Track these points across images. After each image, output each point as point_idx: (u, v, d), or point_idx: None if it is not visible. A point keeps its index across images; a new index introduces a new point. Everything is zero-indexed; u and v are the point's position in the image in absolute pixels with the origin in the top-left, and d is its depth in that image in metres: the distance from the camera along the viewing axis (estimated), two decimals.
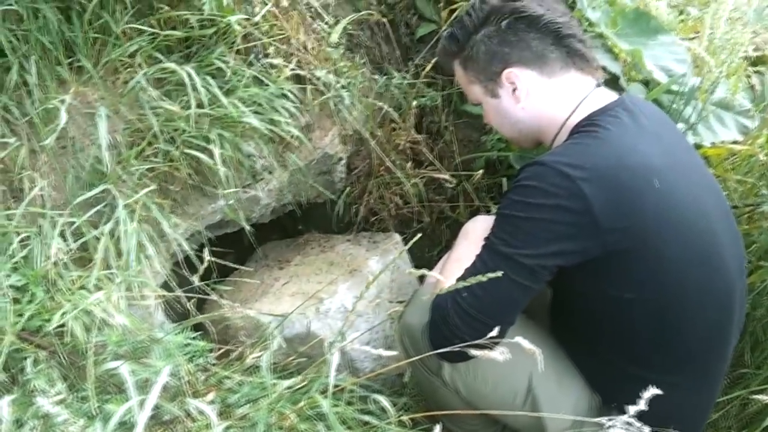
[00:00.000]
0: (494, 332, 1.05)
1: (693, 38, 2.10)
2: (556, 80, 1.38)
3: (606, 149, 1.23)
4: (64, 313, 1.15)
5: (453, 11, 2.01)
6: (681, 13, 2.32)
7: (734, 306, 1.31)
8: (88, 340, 1.13)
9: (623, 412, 1.36)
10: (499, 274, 1.03)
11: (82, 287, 1.24)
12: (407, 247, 1.09)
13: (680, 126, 1.78)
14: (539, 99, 1.39)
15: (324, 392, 1.11)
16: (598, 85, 1.40)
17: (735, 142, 1.86)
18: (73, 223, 1.31)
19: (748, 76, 2.10)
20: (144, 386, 1.10)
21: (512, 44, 1.38)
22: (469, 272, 1.26)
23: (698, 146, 1.80)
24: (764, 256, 1.74)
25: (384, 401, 1.07)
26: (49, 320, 1.15)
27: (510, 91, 1.41)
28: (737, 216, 1.54)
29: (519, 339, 0.95)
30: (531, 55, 1.38)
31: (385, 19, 2.08)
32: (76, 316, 1.16)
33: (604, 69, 1.50)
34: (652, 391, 0.87)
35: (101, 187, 1.35)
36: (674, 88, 1.82)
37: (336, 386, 1.08)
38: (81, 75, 1.47)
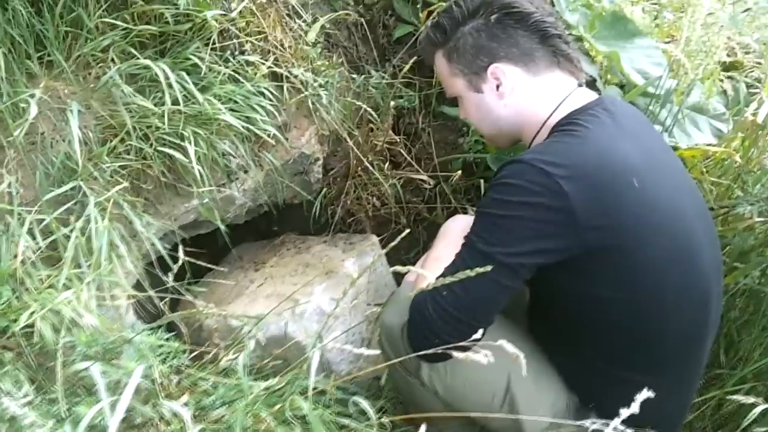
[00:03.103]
0: (478, 335, 1.03)
1: (669, 42, 2.13)
2: (540, 79, 1.38)
3: (586, 148, 1.23)
4: (32, 313, 1.11)
5: (430, 13, 2.01)
6: (656, 17, 2.35)
7: (711, 306, 1.32)
8: (56, 341, 1.09)
9: (601, 412, 1.37)
10: (487, 269, 1.01)
11: (51, 286, 1.21)
12: (389, 248, 1.07)
13: (656, 128, 1.80)
14: (523, 97, 1.38)
15: (302, 394, 1.09)
16: (580, 85, 1.40)
17: (709, 144, 1.88)
18: (42, 220, 1.27)
19: (721, 81, 2.13)
20: (115, 388, 1.06)
21: (500, 40, 1.37)
22: (449, 271, 1.25)
23: (674, 148, 1.81)
24: (738, 258, 1.75)
25: (364, 404, 1.05)
26: (16, 320, 1.11)
27: (494, 87, 1.40)
28: (713, 218, 1.55)
29: (503, 342, 0.94)
30: (518, 52, 1.37)
31: (362, 20, 2.07)
32: (45, 316, 1.12)
33: None
34: (645, 393, 0.86)
35: (71, 184, 1.31)
36: (650, 90, 1.84)
37: (314, 389, 1.06)
38: (52, 69, 1.43)
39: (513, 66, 1.37)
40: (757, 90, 2.11)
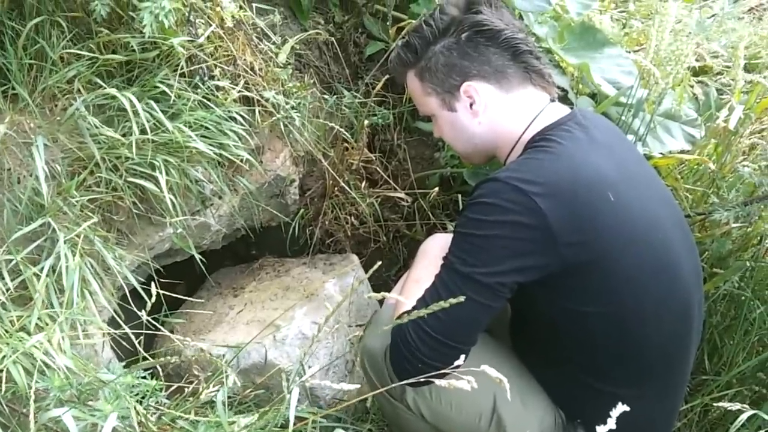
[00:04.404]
0: (460, 360, 1.02)
1: (638, 50, 2.14)
2: (513, 95, 1.37)
3: (560, 164, 1.22)
4: (3, 357, 1.08)
5: (400, 29, 2.00)
6: (624, 26, 2.37)
7: (693, 316, 1.32)
8: (29, 386, 1.06)
9: (588, 427, 1.36)
10: (461, 299, 1.00)
11: (22, 328, 1.17)
12: (368, 275, 1.06)
13: (629, 138, 1.80)
14: (496, 114, 1.38)
15: (285, 426, 1.06)
16: (552, 101, 1.40)
17: (683, 152, 1.89)
18: (11, 260, 1.24)
19: (692, 86, 2.15)
20: (92, 431, 1.04)
21: (472, 58, 1.36)
22: (429, 293, 1.24)
23: (648, 157, 1.82)
24: (717, 264, 1.76)
25: None
26: None
27: (467, 105, 1.39)
28: (689, 225, 1.56)
29: (485, 367, 0.93)
30: (490, 70, 1.36)
31: (333, 39, 2.06)
32: (16, 360, 1.09)
33: None
34: (621, 408, 0.85)
35: (40, 221, 1.28)
36: (622, 100, 1.84)
37: (299, 418, 1.03)
38: (16, 103, 1.40)
39: (486, 83, 1.37)
40: (727, 94, 2.13)
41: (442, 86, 1.41)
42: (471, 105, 1.38)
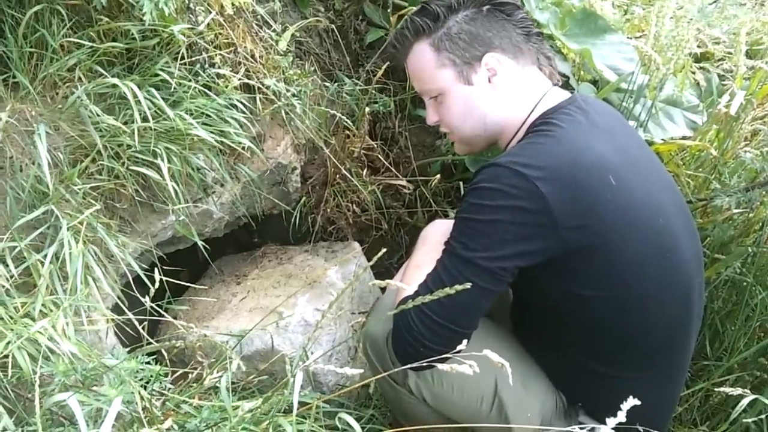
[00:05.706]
0: (462, 345, 1.02)
1: (639, 37, 2.13)
2: (526, 72, 1.37)
3: (561, 148, 1.22)
4: (7, 343, 1.09)
5: (401, 17, 2.00)
6: (626, 12, 2.36)
7: (694, 300, 1.32)
8: (34, 371, 1.07)
9: (589, 411, 1.37)
10: (468, 285, 1.00)
11: (27, 315, 1.18)
12: (372, 263, 1.06)
13: (631, 123, 1.80)
14: (510, 91, 1.37)
15: (289, 411, 1.07)
16: (555, 85, 1.40)
17: (684, 138, 1.89)
18: (15, 247, 1.24)
19: (693, 72, 2.14)
20: (96, 416, 1.04)
21: (494, 29, 1.36)
22: (431, 277, 1.25)
23: (650, 143, 1.82)
24: (719, 249, 1.76)
25: (350, 420, 1.03)
26: None
27: (485, 78, 1.36)
28: (691, 211, 1.56)
29: (487, 352, 0.93)
30: (510, 44, 1.36)
31: (333, 26, 2.05)
32: (21, 345, 1.10)
33: None
34: (632, 401, 0.85)
35: (43, 209, 1.28)
36: (623, 86, 1.84)
37: (302, 403, 1.04)
38: (17, 91, 1.40)
39: (506, 56, 1.36)
40: (728, 80, 2.12)
41: (462, 57, 1.36)
42: (490, 78, 1.36)
